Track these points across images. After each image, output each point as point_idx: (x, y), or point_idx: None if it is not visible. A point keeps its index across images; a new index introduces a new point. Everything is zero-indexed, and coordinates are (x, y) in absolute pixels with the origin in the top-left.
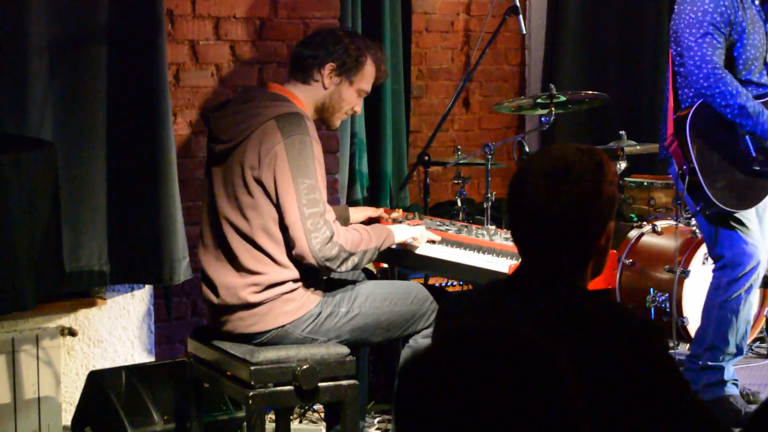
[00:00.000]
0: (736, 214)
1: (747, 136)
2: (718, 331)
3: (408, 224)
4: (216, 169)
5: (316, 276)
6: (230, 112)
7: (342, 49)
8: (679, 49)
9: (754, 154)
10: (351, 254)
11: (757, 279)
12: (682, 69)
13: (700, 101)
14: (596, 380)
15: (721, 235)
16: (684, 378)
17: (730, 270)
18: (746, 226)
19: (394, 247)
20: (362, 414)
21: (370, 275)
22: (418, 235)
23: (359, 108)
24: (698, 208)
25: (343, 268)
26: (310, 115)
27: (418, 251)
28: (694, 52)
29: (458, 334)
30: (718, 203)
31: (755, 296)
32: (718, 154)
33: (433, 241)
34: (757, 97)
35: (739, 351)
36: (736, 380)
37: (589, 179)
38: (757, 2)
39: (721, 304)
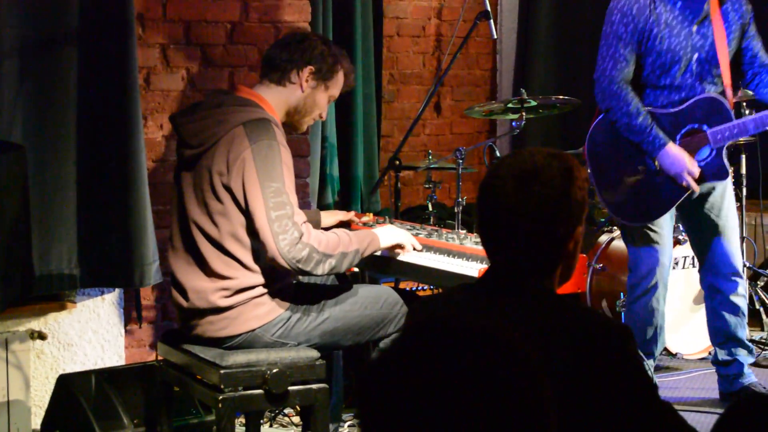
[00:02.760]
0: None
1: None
2: None
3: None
4: (185, 174)
5: (287, 280)
6: (199, 117)
7: (320, 54)
8: None
9: (656, 168)
10: (327, 256)
11: (657, 285)
12: None
13: (601, 116)
14: (564, 381)
15: (628, 240)
16: (651, 380)
17: (632, 274)
18: (650, 235)
19: (379, 253)
20: (337, 417)
21: (341, 279)
22: (404, 240)
23: (326, 114)
24: (600, 226)
25: (320, 270)
26: (280, 118)
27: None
28: (598, 65)
29: (427, 327)
30: (614, 216)
31: (660, 303)
32: (617, 167)
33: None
34: (679, 102)
35: (649, 354)
36: None
37: (559, 183)
38: (679, 3)
39: (628, 306)
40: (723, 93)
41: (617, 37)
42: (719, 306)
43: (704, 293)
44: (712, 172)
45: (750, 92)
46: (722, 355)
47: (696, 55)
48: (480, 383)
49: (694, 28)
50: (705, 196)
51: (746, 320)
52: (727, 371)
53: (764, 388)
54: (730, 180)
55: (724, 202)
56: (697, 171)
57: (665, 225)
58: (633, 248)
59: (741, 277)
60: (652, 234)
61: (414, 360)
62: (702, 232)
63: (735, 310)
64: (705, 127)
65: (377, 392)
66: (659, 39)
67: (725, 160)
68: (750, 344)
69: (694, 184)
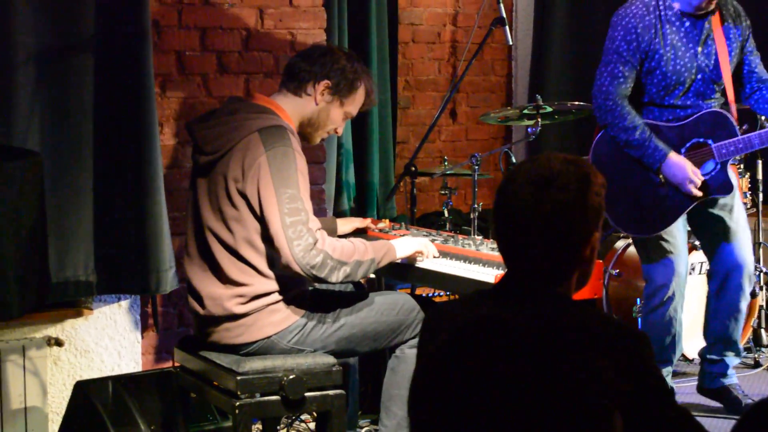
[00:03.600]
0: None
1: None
2: None
3: (410, 236)
4: (200, 181)
5: (302, 287)
6: (214, 123)
7: (340, 70)
8: None
9: (660, 180)
10: (342, 264)
11: (674, 296)
12: None
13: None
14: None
15: (641, 251)
16: (668, 386)
17: (648, 285)
18: (664, 245)
19: (398, 261)
20: (353, 424)
21: (357, 286)
22: (422, 248)
23: (341, 130)
24: (610, 231)
25: (334, 277)
26: (295, 128)
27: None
28: (596, 79)
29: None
30: (620, 229)
31: (678, 312)
32: (620, 179)
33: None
34: (684, 118)
35: (667, 361)
36: None
37: (575, 189)
38: (687, 24)
39: (645, 316)
40: (726, 108)
41: (618, 53)
42: (723, 307)
43: (709, 292)
44: (717, 186)
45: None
46: (711, 353)
47: (701, 75)
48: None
49: (699, 48)
50: (714, 202)
51: (743, 324)
52: (711, 369)
53: (743, 392)
54: (737, 192)
55: (735, 206)
56: (699, 180)
57: (678, 235)
58: (648, 260)
59: (751, 282)
60: (665, 244)
61: (480, 361)
62: (713, 234)
63: (737, 314)
64: (710, 142)
65: (439, 394)
66: (665, 60)
67: (730, 175)
68: (740, 347)
69: (696, 191)
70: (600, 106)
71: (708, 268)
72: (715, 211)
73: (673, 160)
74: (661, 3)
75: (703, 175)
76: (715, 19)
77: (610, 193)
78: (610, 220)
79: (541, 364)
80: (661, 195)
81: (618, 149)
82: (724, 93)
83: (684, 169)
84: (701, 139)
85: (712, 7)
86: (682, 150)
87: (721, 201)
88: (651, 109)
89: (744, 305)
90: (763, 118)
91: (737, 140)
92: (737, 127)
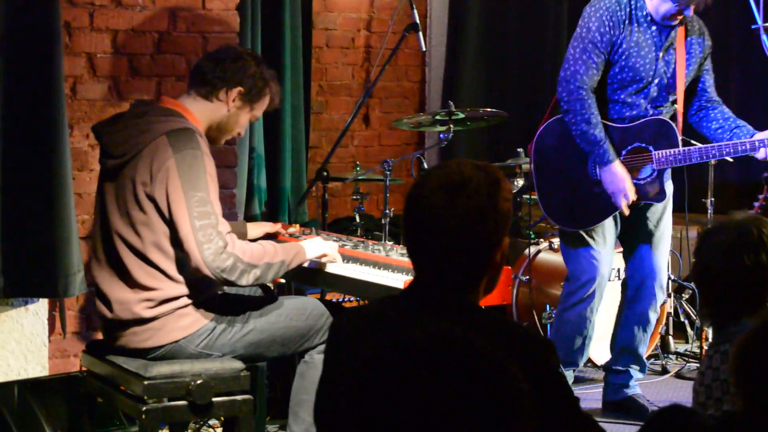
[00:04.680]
0: (581, 230)
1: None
2: (555, 339)
3: (321, 239)
4: (108, 185)
5: (211, 291)
6: (122, 127)
7: (251, 77)
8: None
9: (599, 177)
10: (252, 266)
11: (594, 294)
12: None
13: (555, 117)
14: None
15: (567, 247)
16: (574, 395)
17: (571, 282)
18: (590, 242)
19: (306, 264)
20: (261, 429)
21: (266, 290)
22: (329, 251)
23: (243, 132)
24: (538, 220)
25: (244, 280)
26: (203, 131)
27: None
28: (569, 65)
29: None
30: (549, 219)
31: (593, 313)
32: (559, 172)
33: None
34: (629, 120)
35: (573, 363)
36: None
37: (485, 194)
38: (654, 27)
39: (559, 314)
40: (674, 118)
41: (593, 43)
42: (632, 317)
43: (622, 300)
44: (650, 192)
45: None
46: (616, 364)
47: (657, 80)
48: (466, 397)
49: (661, 54)
50: (645, 208)
51: (649, 337)
52: (616, 380)
53: (648, 400)
54: (669, 201)
55: (665, 216)
56: (633, 196)
57: (607, 235)
58: (573, 256)
59: (663, 292)
60: (593, 242)
61: (396, 378)
62: (636, 238)
63: (645, 324)
64: (651, 148)
65: (359, 407)
66: (626, 55)
67: (665, 184)
68: (645, 361)
69: (626, 208)
70: (572, 91)
71: (624, 276)
72: (644, 215)
73: (614, 169)
74: (633, 1)
75: (640, 179)
76: (681, 31)
77: (547, 184)
78: (543, 211)
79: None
80: (594, 192)
81: (562, 142)
82: (674, 104)
83: (622, 182)
84: (643, 144)
85: (677, 22)
86: (623, 152)
87: (653, 207)
88: (602, 105)
89: (653, 317)
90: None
91: (677, 151)
92: (680, 138)
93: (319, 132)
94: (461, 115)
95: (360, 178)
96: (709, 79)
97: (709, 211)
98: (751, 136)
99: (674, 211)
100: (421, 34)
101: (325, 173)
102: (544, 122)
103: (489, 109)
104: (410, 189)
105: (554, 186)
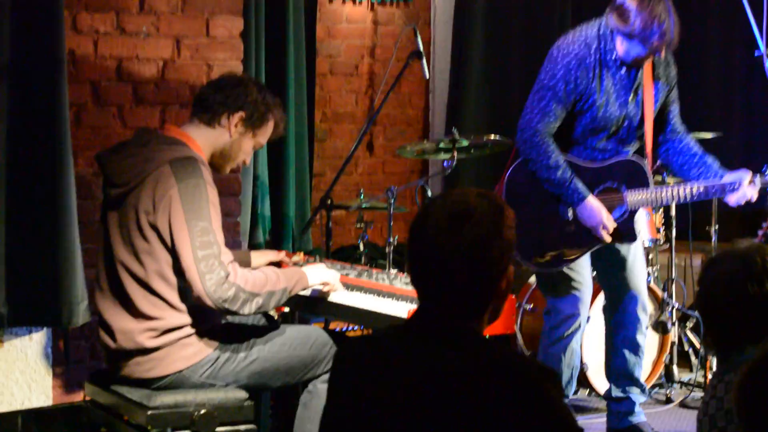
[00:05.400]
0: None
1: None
2: None
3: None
4: (111, 213)
5: (214, 320)
6: (125, 155)
7: (253, 102)
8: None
9: (569, 218)
10: (254, 295)
11: (580, 327)
12: None
13: (521, 159)
14: (493, 426)
15: (546, 282)
16: (578, 425)
17: (553, 316)
18: (570, 275)
19: (308, 293)
20: None
21: (270, 319)
22: (331, 279)
23: (249, 160)
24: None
25: (246, 309)
26: (206, 159)
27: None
28: (526, 113)
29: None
30: (522, 261)
31: (578, 343)
32: (530, 211)
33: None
34: (596, 161)
35: (564, 397)
36: None
37: (490, 222)
38: (623, 70)
39: (545, 349)
40: (639, 150)
41: (553, 91)
42: (621, 343)
43: (607, 329)
44: (622, 234)
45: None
46: (616, 391)
47: (627, 123)
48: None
49: (630, 97)
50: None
51: (643, 360)
52: (619, 408)
53: (652, 429)
54: (640, 240)
55: (633, 245)
56: (612, 226)
57: (585, 265)
58: (552, 289)
59: (647, 313)
60: (571, 274)
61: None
62: (610, 264)
63: (636, 348)
64: (623, 188)
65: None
66: (597, 106)
67: (636, 225)
68: (643, 383)
69: (607, 237)
70: (526, 140)
71: (604, 302)
72: (616, 245)
73: (589, 205)
74: (602, 44)
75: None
76: (647, 66)
77: (519, 225)
78: (517, 252)
79: (454, 406)
80: (567, 232)
81: (532, 181)
82: (641, 138)
83: (599, 215)
84: (615, 184)
85: (648, 61)
86: (595, 192)
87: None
88: (572, 148)
89: (641, 339)
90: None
91: (649, 191)
92: (651, 177)
93: (323, 160)
94: (465, 143)
95: (364, 206)
96: (674, 110)
97: (713, 239)
98: (718, 176)
99: (678, 239)
100: (424, 61)
101: (329, 201)
102: (510, 164)
103: (493, 137)
104: (414, 218)
105: (527, 228)
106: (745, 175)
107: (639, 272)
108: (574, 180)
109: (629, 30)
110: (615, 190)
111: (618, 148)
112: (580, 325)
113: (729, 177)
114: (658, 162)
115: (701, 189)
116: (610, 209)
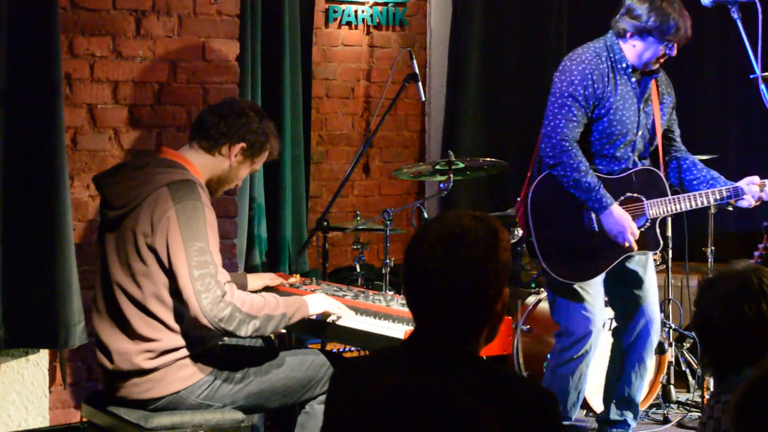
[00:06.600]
0: (575, 285)
1: (591, 211)
2: None
3: (321, 291)
4: (108, 236)
5: (211, 342)
6: (123, 178)
7: (254, 132)
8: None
9: (596, 229)
10: (251, 317)
11: (591, 349)
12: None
13: (546, 172)
14: None
15: (559, 302)
16: None
17: (565, 337)
18: (584, 297)
19: (313, 317)
20: None
21: (267, 341)
22: (331, 308)
23: (241, 183)
24: (536, 275)
25: (243, 331)
26: (203, 182)
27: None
28: (549, 121)
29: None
30: (551, 273)
31: (588, 366)
32: (557, 225)
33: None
34: (619, 172)
35: (566, 418)
36: None
37: (485, 245)
38: (633, 79)
39: (553, 369)
40: (654, 166)
41: (573, 97)
42: (630, 367)
43: (617, 352)
44: (647, 241)
45: None
46: (614, 414)
47: (640, 132)
48: None
49: (642, 105)
50: (631, 256)
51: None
52: (617, 430)
53: None
54: (651, 261)
55: (649, 262)
56: (638, 232)
57: (599, 287)
58: (566, 311)
59: (658, 335)
60: (586, 296)
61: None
62: (627, 287)
63: (644, 373)
64: (643, 198)
65: None
66: (613, 109)
67: (658, 232)
68: (638, 408)
69: (634, 244)
70: (555, 144)
71: (615, 324)
72: (631, 265)
73: (615, 212)
74: (611, 54)
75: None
76: (654, 84)
77: (546, 238)
78: (544, 265)
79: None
80: (594, 245)
81: (556, 195)
82: (655, 153)
83: (625, 222)
84: (634, 195)
85: (657, 66)
86: (617, 201)
87: (637, 256)
88: (592, 160)
89: (650, 363)
90: None
91: (668, 200)
92: (668, 187)
93: (319, 182)
94: (461, 165)
95: (360, 227)
96: (676, 130)
97: (710, 260)
98: (728, 184)
99: (674, 259)
100: (420, 84)
101: (326, 223)
102: (530, 175)
103: (489, 159)
104: (409, 241)
105: (553, 240)
106: (755, 178)
107: (655, 297)
108: (601, 187)
109: (644, 25)
110: (635, 200)
111: (634, 159)
112: (590, 348)
113: (740, 182)
114: (669, 181)
115: (716, 193)
116: (633, 218)
